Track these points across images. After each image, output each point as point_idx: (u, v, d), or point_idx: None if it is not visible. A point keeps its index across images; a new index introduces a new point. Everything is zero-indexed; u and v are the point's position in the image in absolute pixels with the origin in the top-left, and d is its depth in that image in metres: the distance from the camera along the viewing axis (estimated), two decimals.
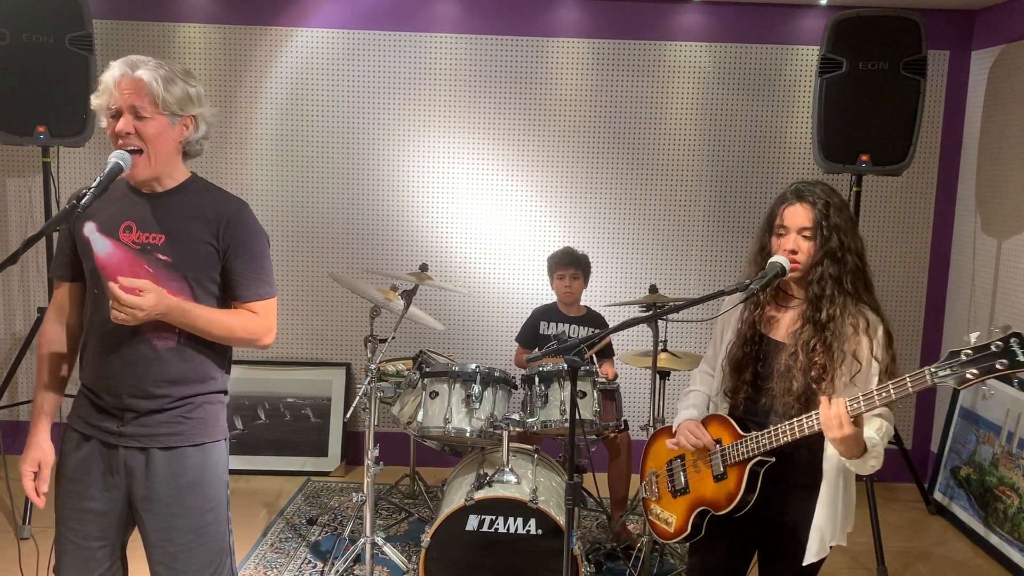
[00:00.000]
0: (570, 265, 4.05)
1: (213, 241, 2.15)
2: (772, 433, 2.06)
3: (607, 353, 4.09)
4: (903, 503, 4.63)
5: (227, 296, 2.22)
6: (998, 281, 4.34)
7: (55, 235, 2.17)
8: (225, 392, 2.29)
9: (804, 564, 2.11)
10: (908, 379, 1.86)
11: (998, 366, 1.74)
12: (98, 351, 2.16)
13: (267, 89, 4.67)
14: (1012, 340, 1.73)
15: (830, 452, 2.12)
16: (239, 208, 2.21)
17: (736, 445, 2.14)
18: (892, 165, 3.93)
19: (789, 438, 2.03)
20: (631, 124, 4.70)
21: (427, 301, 4.57)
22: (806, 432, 2.00)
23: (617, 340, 4.22)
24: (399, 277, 3.60)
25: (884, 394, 1.88)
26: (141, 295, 2.01)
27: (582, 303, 4.16)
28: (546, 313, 4.14)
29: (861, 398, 1.91)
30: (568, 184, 4.75)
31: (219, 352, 2.24)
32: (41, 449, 2.18)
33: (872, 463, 2.00)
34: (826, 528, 2.10)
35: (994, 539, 4.02)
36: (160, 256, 2.13)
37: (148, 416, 2.14)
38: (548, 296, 4.26)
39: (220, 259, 2.17)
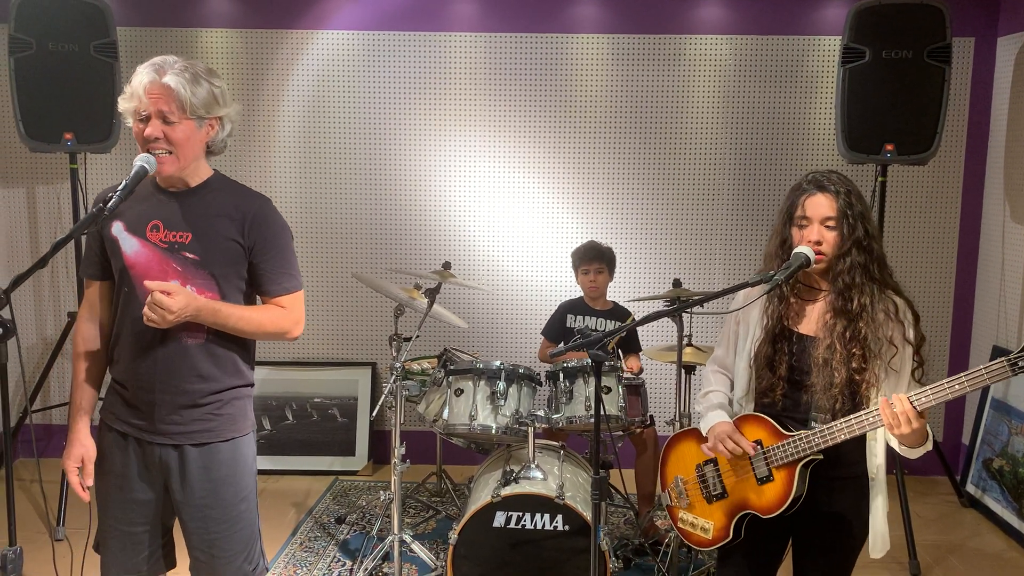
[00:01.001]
0: (595, 260, 4.05)
1: (239, 238, 2.19)
2: (827, 432, 2.03)
3: (633, 348, 4.07)
4: (935, 496, 4.58)
5: (254, 291, 2.27)
6: None
7: (83, 238, 2.21)
8: (252, 385, 2.35)
9: (873, 557, 2.13)
10: (984, 371, 1.83)
11: None
12: (130, 348, 2.22)
13: (289, 92, 4.71)
14: None
15: (879, 461, 2.11)
16: (262, 204, 2.25)
17: (783, 446, 2.10)
18: (918, 154, 3.88)
19: (847, 436, 2.01)
20: (653, 118, 4.68)
21: (450, 299, 4.58)
22: (866, 429, 1.98)
23: (642, 335, 4.20)
24: (422, 275, 3.61)
25: (958, 385, 1.86)
26: (171, 297, 2.05)
27: (609, 298, 4.15)
28: (573, 307, 4.14)
29: (930, 391, 1.89)
30: (591, 179, 4.74)
31: (245, 346, 2.29)
32: (83, 445, 2.26)
33: (927, 447, 2.01)
34: (885, 527, 2.12)
35: None
36: (187, 254, 2.17)
37: (180, 412, 2.19)
38: (572, 291, 4.26)
39: (246, 255, 2.21)
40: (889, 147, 3.87)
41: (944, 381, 1.87)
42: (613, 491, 4.01)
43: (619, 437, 3.67)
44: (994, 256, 4.59)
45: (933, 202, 4.71)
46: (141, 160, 2.10)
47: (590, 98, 4.68)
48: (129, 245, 2.20)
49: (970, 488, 4.49)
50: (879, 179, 4.00)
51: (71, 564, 2.47)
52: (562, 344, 2.18)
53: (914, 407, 1.89)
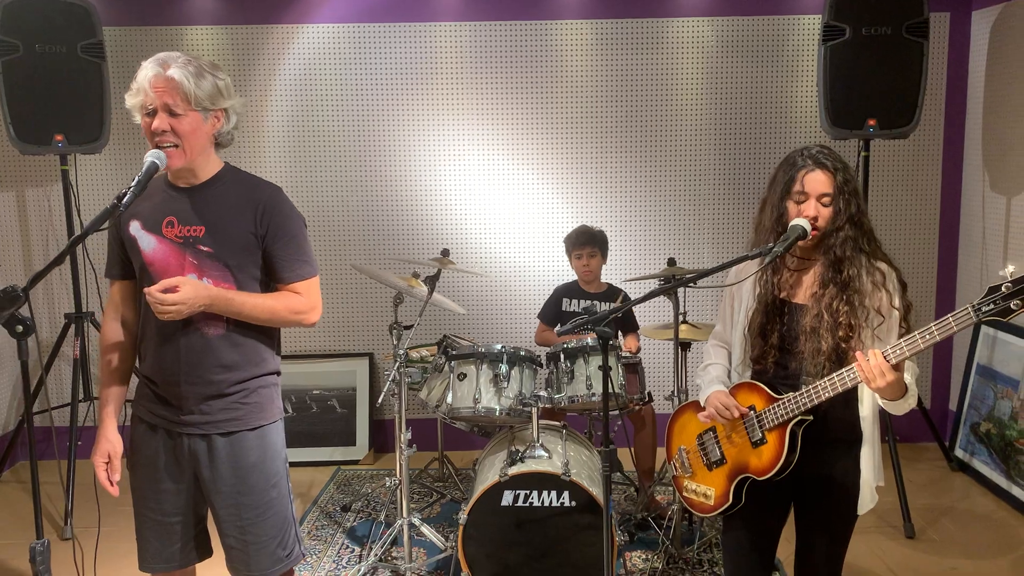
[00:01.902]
0: (587, 244, 4.11)
1: (251, 227, 2.23)
2: (811, 392, 2.10)
3: (631, 328, 4.14)
4: (926, 462, 4.69)
5: (270, 279, 2.30)
6: (1009, 237, 4.38)
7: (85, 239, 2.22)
8: (278, 373, 2.39)
9: (859, 513, 2.20)
10: (951, 319, 1.90)
11: None
12: (154, 344, 2.27)
13: (277, 87, 4.72)
14: None
15: (866, 412, 2.19)
16: (273, 193, 2.29)
17: (773, 408, 2.18)
18: (899, 128, 3.97)
19: (830, 394, 2.08)
20: (639, 101, 4.75)
21: (445, 286, 4.63)
22: (848, 386, 2.06)
23: (639, 315, 4.28)
24: (421, 263, 3.66)
25: (928, 336, 1.93)
26: (176, 291, 2.10)
27: (603, 279, 4.22)
28: (568, 291, 4.20)
29: (904, 343, 1.96)
30: (581, 164, 4.80)
31: (268, 335, 2.33)
32: (110, 441, 2.32)
33: (911, 402, 2.08)
34: (872, 479, 2.19)
35: (1016, 491, 4.08)
36: (202, 247, 2.21)
37: (206, 402, 2.24)
38: (566, 275, 4.33)
39: (259, 245, 2.24)
40: (871, 122, 3.96)
41: (916, 332, 1.95)
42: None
43: (618, 414, 3.73)
44: (975, 225, 4.70)
45: (915, 174, 4.81)
46: (151, 156, 2.13)
47: (577, 84, 4.74)
48: (147, 243, 2.24)
49: (959, 453, 4.61)
50: (862, 153, 4.08)
51: (81, 561, 2.53)
52: (569, 323, 2.23)
53: (887, 359, 1.96)
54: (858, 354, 2.02)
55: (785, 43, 4.69)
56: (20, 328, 2.01)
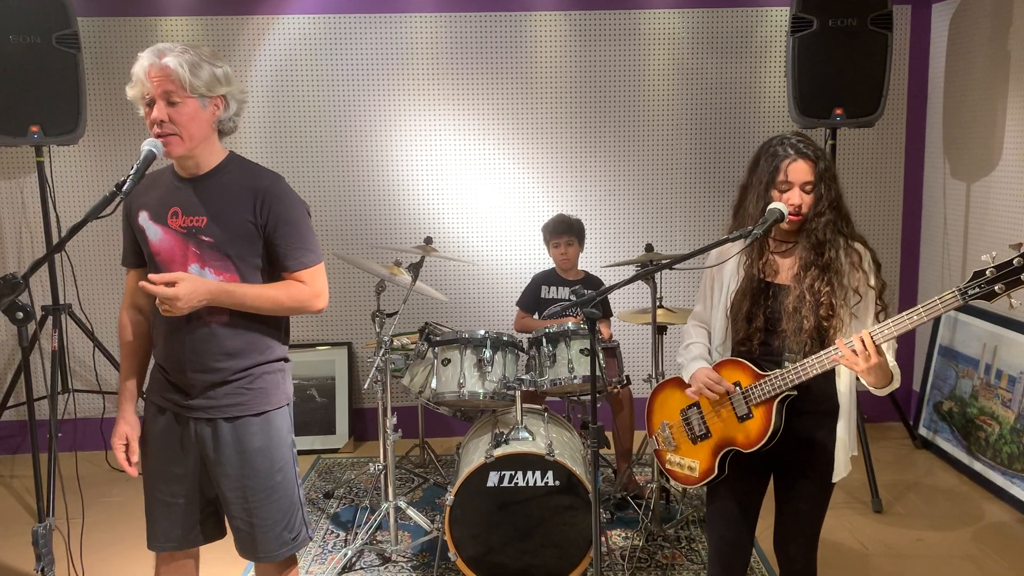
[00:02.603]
0: (564, 232, 4.19)
1: (252, 217, 2.25)
2: (799, 368, 2.20)
3: (605, 312, 4.24)
4: (891, 440, 4.86)
5: (274, 268, 2.33)
6: (968, 222, 4.54)
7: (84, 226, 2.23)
8: (285, 359, 2.42)
9: (834, 481, 2.31)
10: (938, 300, 2.00)
11: (1023, 278, 1.93)
12: (163, 332, 2.31)
13: (253, 78, 4.73)
14: None
15: (843, 387, 2.29)
16: (273, 181, 2.32)
17: (760, 385, 2.27)
18: (865, 117, 4.10)
19: (818, 371, 2.18)
20: (613, 92, 4.83)
21: (424, 275, 4.68)
22: (835, 363, 2.15)
23: (616, 301, 4.37)
24: (405, 250, 3.71)
25: (915, 317, 2.03)
26: (175, 286, 2.13)
27: (580, 267, 4.30)
28: (546, 279, 4.28)
29: (891, 323, 2.06)
30: (557, 153, 4.88)
31: (274, 323, 2.36)
32: (128, 424, 2.37)
33: (896, 385, 2.19)
34: (847, 448, 2.31)
35: (977, 466, 4.25)
36: (203, 238, 2.24)
37: (212, 389, 2.28)
38: (544, 263, 4.40)
39: (260, 234, 2.27)
40: (838, 111, 4.09)
41: (903, 314, 2.06)
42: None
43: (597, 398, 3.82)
44: (936, 210, 4.87)
45: (879, 162, 4.96)
46: (148, 144, 2.15)
47: (551, 75, 4.81)
48: (154, 233, 2.27)
49: (923, 431, 4.78)
50: (829, 142, 4.21)
51: (67, 550, 2.63)
52: (557, 306, 2.31)
53: (873, 341, 2.06)
54: (838, 341, 2.11)
55: (754, 34, 4.81)
56: (20, 315, 2.04)
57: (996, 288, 1.95)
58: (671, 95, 4.85)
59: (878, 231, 4.99)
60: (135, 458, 2.37)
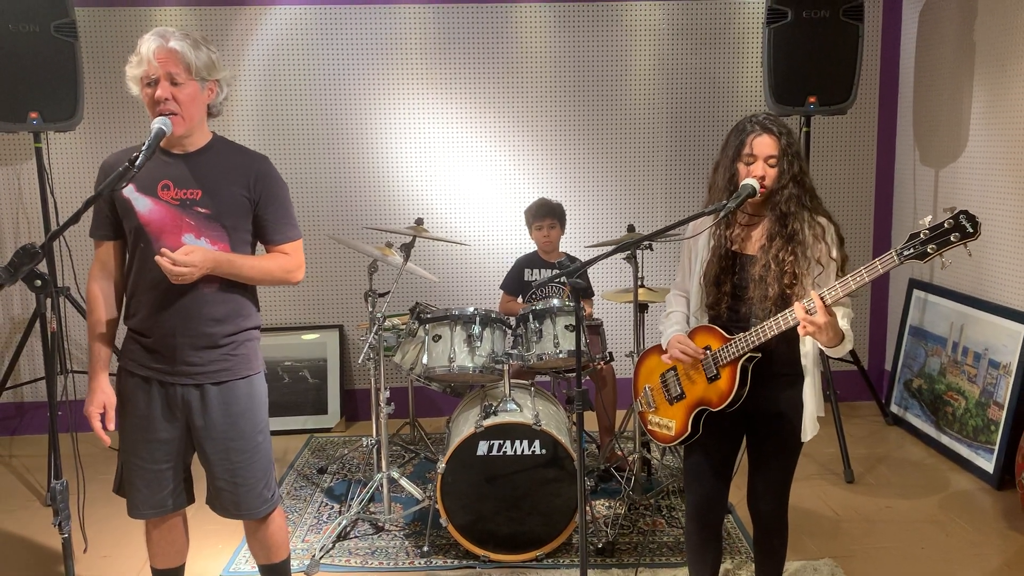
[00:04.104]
0: (547, 216, 4.33)
1: (246, 192, 2.43)
2: (759, 331, 2.36)
3: (587, 294, 4.39)
4: (864, 418, 5.05)
5: (257, 241, 2.52)
6: (937, 208, 4.73)
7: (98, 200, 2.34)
8: (259, 328, 2.59)
9: (801, 441, 2.46)
10: (878, 262, 2.16)
11: (952, 239, 2.08)
12: (149, 300, 2.43)
13: (246, 66, 4.85)
14: (960, 216, 2.08)
15: (807, 350, 2.45)
16: (264, 162, 2.51)
17: (726, 347, 2.43)
18: (837, 105, 4.27)
19: (775, 332, 2.34)
20: (595, 80, 4.99)
21: (413, 257, 4.81)
22: (790, 324, 2.31)
23: (599, 281, 4.53)
24: (397, 231, 3.85)
25: (858, 278, 2.19)
26: (190, 255, 2.29)
27: (561, 249, 4.46)
28: (529, 261, 4.43)
29: (838, 285, 2.22)
30: (540, 139, 5.04)
31: (251, 291, 2.55)
32: (104, 393, 2.48)
33: (847, 346, 2.34)
34: (814, 409, 2.46)
35: (945, 439, 4.45)
36: (199, 209, 2.39)
37: (199, 353, 2.42)
38: (528, 246, 4.55)
39: (251, 209, 2.45)
40: (812, 99, 4.25)
41: (848, 275, 2.21)
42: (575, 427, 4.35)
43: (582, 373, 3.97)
44: (907, 196, 5.06)
45: (852, 149, 5.15)
46: (158, 123, 2.29)
47: (536, 63, 4.96)
48: (142, 204, 2.40)
49: (894, 408, 4.98)
50: (803, 129, 4.38)
51: (80, 514, 2.71)
52: (520, 298, 2.45)
53: (823, 300, 2.22)
54: (795, 304, 2.27)
55: (732, 25, 4.98)
56: (39, 282, 2.17)
57: (928, 248, 2.11)
58: (652, 83, 5.01)
59: (851, 216, 5.18)
60: (112, 426, 2.47)
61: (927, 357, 4.74)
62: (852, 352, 4.72)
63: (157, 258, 2.30)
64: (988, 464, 4.09)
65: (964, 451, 4.29)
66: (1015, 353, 4.04)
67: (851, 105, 4.27)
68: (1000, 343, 4.16)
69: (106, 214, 2.47)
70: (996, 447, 4.06)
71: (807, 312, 2.23)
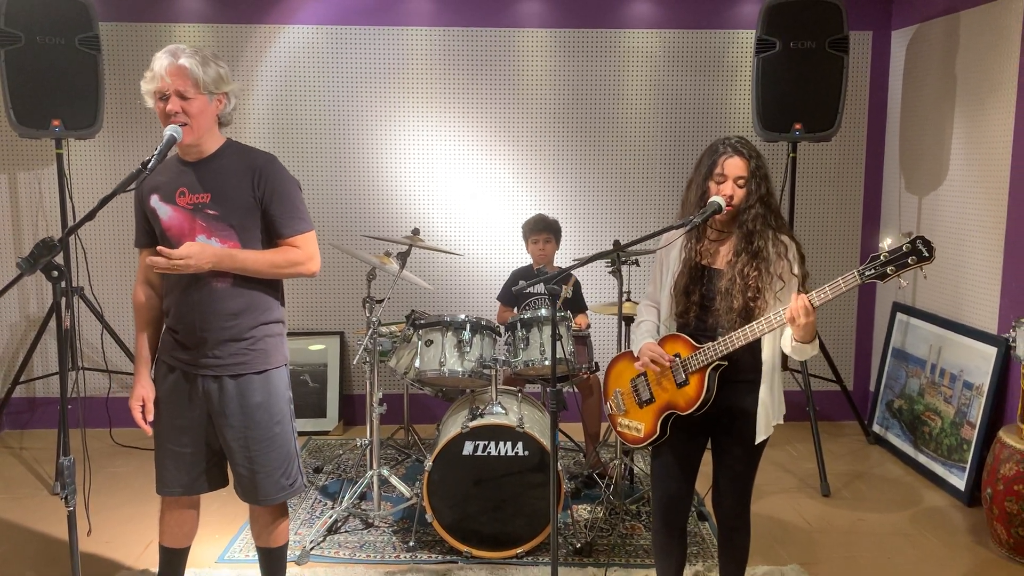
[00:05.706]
0: (543, 231, 4.51)
1: (250, 191, 2.59)
2: (727, 341, 2.52)
3: (581, 307, 4.56)
4: (846, 437, 5.18)
5: (271, 238, 2.66)
6: (921, 233, 4.88)
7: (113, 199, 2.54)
8: (283, 322, 2.75)
9: (756, 443, 2.61)
10: (841, 280, 2.35)
11: (909, 261, 2.28)
12: (176, 298, 2.64)
13: (259, 81, 5.08)
14: (917, 241, 2.29)
15: (766, 355, 2.62)
16: (268, 159, 2.66)
17: (695, 356, 2.59)
18: (822, 131, 4.45)
19: (742, 342, 2.50)
20: (593, 103, 5.20)
21: (411, 268, 5.02)
22: (757, 335, 2.48)
23: (588, 294, 4.71)
24: (393, 240, 4.04)
25: (826, 292, 2.38)
26: (183, 249, 2.48)
27: (555, 263, 4.63)
28: (524, 274, 4.60)
29: (828, 288, 2.39)
30: (539, 158, 5.24)
31: (271, 285, 2.69)
32: (144, 387, 2.69)
33: (813, 350, 2.52)
34: (769, 412, 2.61)
35: (922, 458, 4.58)
36: (209, 211, 2.58)
37: (220, 346, 2.60)
38: (522, 257, 4.73)
39: (258, 205, 2.61)
40: (797, 126, 4.43)
41: (826, 285, 2.39)
42: (563, 435, 4.50)
43: (566, 384, 4.14)
44: (893, 222, 5.22)
45: (840, 175, 5.31)
46: (170, 130, 2.50)
47: (536, 86, 5.17)
48: (164, 212, 2.61)
49: (876, 428, 5.11)
50: (790, 155, 4.56)
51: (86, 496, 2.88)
52: (516, 310, 2.62)
53: (811, 303, 2.40)
54: (794, 295, 2.43)
55: (724, 54, 5.18)
56: (56, 273, 2.36)
57: (888, 270, 2.29)
58: (647, 108, 5.21)
59: (837, 240, 5.34)
60: (151, 417, 2.68)
61: (907, 378, 4.87)
62: (836, 373, 4.87)
63: (150, 258, 2.50)
64: (960, 482, 4.22)
65: (939, 469, 4.42)
66: (987, 375, 4.18)
67: (835, 133, 4.45)
68: (974, 365, 4.30)
69: (142, 223, 2.69)
70: (968, 465, 4.19)
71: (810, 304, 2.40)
